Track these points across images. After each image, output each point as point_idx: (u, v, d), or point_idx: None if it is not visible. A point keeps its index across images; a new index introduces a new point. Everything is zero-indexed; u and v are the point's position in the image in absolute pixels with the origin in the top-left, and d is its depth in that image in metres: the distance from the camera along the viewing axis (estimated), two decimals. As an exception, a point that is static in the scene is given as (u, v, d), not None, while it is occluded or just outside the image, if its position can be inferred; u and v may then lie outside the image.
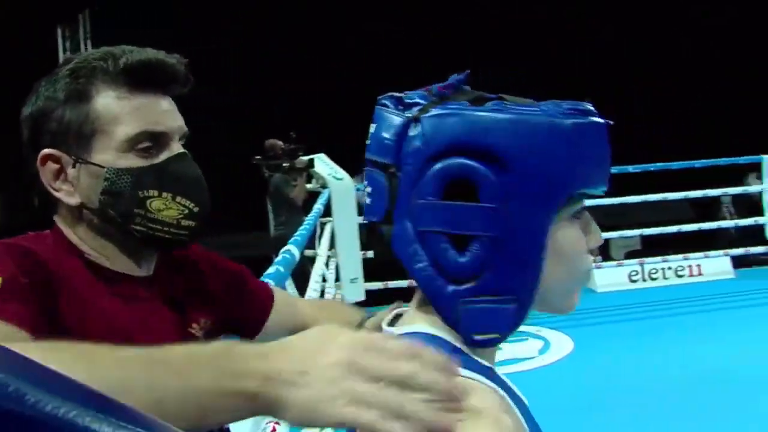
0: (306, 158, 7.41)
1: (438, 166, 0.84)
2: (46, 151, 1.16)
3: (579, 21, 18.40)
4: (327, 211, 6.98)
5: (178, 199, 1.18)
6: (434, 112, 0.86)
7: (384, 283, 7.37)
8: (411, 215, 0.86)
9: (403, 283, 7.30)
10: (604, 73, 18.02)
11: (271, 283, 1.59)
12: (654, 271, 8.90)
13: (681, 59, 18.77)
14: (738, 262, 9.24)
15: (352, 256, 7.08)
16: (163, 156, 1.18)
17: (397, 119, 0.88)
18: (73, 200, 1.17)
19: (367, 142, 0.92)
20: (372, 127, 0.91)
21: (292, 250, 2.77)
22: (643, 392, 4.95)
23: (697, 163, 8.32)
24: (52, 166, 1.17)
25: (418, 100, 0.88)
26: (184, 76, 1.23)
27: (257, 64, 17.49)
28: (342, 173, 7.42)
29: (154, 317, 1.21)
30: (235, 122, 16.06)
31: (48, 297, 1.04)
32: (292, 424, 0.77)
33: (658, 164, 8.17)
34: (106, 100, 1.15)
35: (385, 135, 0.88)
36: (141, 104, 1.17)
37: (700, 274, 8.96)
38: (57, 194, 1.17)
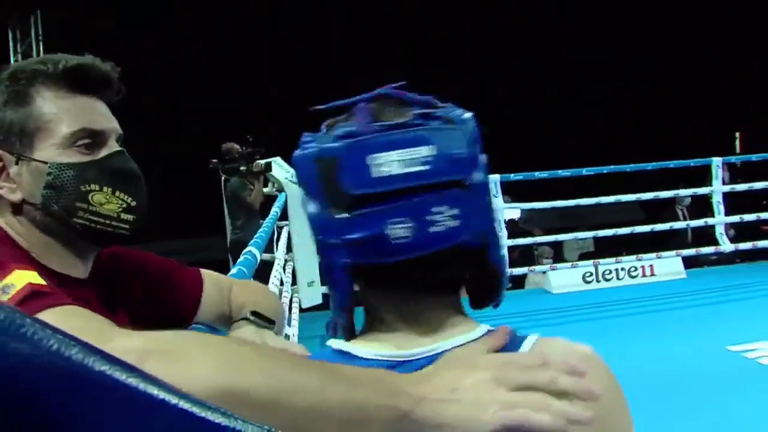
0: (263, 162, 7.38)
1: (483, 169, 0.91)
2: None
3: (532, 24, 18.58)
4: (283, 215, 6.96)
5: (117, 193, 1.22)
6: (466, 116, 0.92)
7: (341, 286, 7.33)
8: (489, 216, 0.92)
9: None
10: (559, 77, 18.22)
11: (203, 270, 1.59)
12: (608, 272, 9.02)
13: (637, 63, 19.05)
14: (689, 263, 9.41)
15: (308, 259, 7.05)
16: (103, 152, 1.23)
17: (461, 131, 0.89)
18: (15, 197, 1.20)
19: (421, 167, 0.86)
20: (420, 150, 0.86)
21: (253, 251, 2.79)
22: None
23: (649, 166, 8.44)
24: None
25: (444, 113, 0.91)
26: (117, 83, 1.29)
27: (213, 68, 17.36)
28: (299, 176, 7.38)
29: None
30: (190, 125, 15.94)
31: None
32: None
33: (611, 166, 8.28)
34: (47, 101, 1.20)
35: (457, 150, 0.88)
36: (80, 104, 1.22)
37: (652, 275, 9.09)
38: None
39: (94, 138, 1.22)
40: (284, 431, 0.73)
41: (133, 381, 0.38)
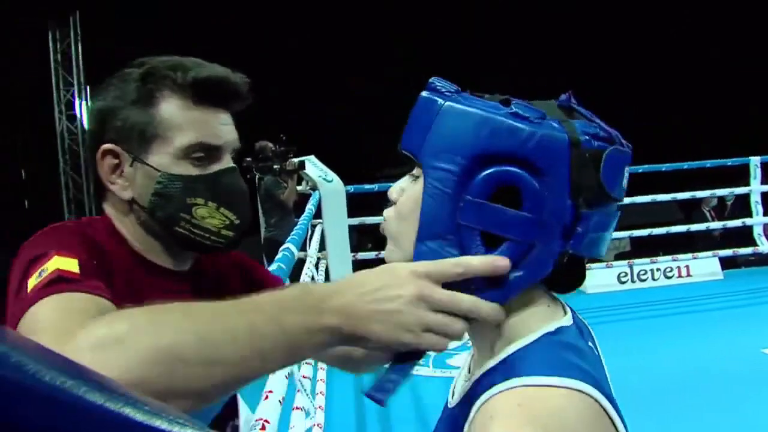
0: (296, 160, 7.41)
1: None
2: (107, 146, 1.24)
3: (567, 19, 18.42)
4: (317, 213, 6.98)
5: (222, 209, 1.26)
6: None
7: (374, 284, 7.30)
8: None
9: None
10: (592, 74, 18.07)
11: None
12: (643, 272, 8.94)
13: (672, 61, 18.82)
14: (727, 264, 9.28)
15: (342, 258, 7.07)
16: (214, 168, 1.26)
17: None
18: (126, 195, 1.25)
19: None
20: None
21: (291, 248, 2.82)
22: (631, 392, 4.98)
23: (685, 165, 8.34)
24: (111, 160, 1.24)
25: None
26: (245, 95, 1.31)
27: (247, 66, 17.45)
28: (332, 175, 7.41)
29: None
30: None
31: (106, 279, 1.12)
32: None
33: (646, 166, 8.20)
34: (171, 108, 1.22)
35: None
36: (202, 117, 1.24)
37: (688, 275, 9.00)
38: (112, 187, 1.25)
39: (208, 152, 1.25)
40: (230, 380, 0.84)
41: (67, 385, 0.39)
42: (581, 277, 1.02)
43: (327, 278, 6.91)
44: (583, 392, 0.84)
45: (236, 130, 1.32)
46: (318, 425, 3.30)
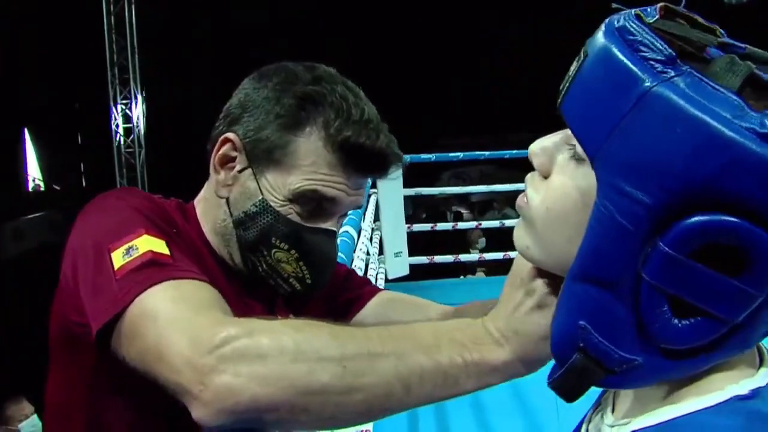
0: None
1: None
2: (232, 135, 1.16)
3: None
4: (372, 184, 6.81)
5: (301, 263, 1.17)
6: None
7: (429, 257, 7.20)
8: None
9: (448, 258, 7.23)
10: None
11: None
12: None
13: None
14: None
15: (396, 229, 6.91)
16: (316, 223, 1.17)
17: None
18: (223, 192, 1.19)
19: None
20: None
21: (350, 231, 2.68)
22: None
23: None
24: (228, 151, 1.17)
25: None
26: (391, 171, 1.22)
27: (309, 38, 17.36)
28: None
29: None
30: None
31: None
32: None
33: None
34: (309, 148, 1.13)
35: None
36: (333, 172, 1.14)
37: None
38: (214, 175, 1.19)
39: (318, 206, 1.16)
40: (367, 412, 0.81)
41: None
42: None
43: (381, 251, 6.75)
44: None
45: (362, 196, 1.21)
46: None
